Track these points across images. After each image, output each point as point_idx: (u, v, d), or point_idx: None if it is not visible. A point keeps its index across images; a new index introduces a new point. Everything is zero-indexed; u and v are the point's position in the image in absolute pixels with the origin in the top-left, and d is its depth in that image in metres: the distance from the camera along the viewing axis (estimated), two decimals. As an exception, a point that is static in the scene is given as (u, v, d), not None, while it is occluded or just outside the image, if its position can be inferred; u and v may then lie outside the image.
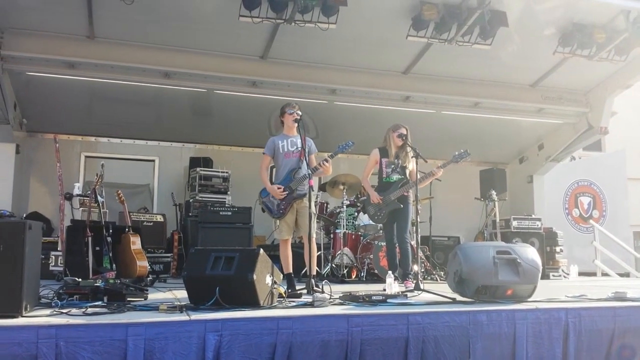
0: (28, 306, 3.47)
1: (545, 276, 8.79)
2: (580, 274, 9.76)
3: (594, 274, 10.40)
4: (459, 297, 4.48)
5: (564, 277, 9.55)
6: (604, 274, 10.34)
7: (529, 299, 4.43)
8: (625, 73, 9.11)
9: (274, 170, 5.88)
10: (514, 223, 9.63)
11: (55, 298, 3.98)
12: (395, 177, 6.34)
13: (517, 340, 3.97)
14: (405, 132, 6.23)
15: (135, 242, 6.67)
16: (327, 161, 5.49)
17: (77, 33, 7.48)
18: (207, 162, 9.89)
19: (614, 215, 12.53)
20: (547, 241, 9.67)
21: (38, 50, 7.43)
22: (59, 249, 7.11)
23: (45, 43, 7.40)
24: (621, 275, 10.48)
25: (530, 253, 4.54)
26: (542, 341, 4.03)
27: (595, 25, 7.77)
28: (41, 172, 9.47)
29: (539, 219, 9.89)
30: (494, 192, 9.66)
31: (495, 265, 4.33)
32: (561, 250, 9.72)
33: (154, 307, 3.76)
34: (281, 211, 5.55)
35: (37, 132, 9.59)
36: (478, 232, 10.45)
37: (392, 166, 6.34)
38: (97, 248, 6.46)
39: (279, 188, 5.49)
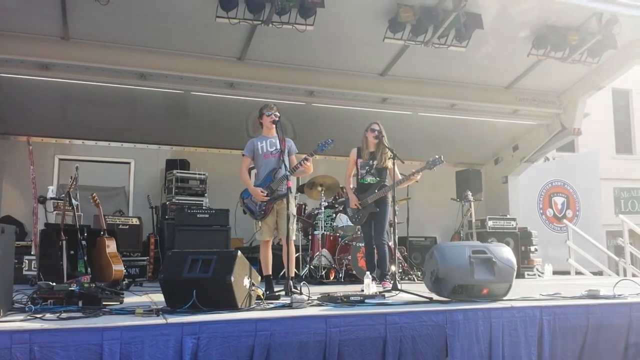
0: (1, 311, 3.42)
1: (520, 275, 8.91)
2: (555, 272, 9.91)
3: (568, 273, 10.56)
4: (435, 297, 4.52)
5: (539, 276, 9.68)
6: (578, 273, 10.50)
7: (504, 298, 4.49)
8: (598, 75, 9.26)
9: (253, 171, 5.87)
10: (490, 223, 9.73)
11: (29, 303, 3.91)
12: (369, 178, 6.37)
13: (493, 338, 4.02)
14: (377, 127, 6.26)
15: (111, 246, 6.60)
16: (307, 160, 5.52)
17: (51, 34, 7.37)
18: (183, 164, 9.80)
19: (587, 214, 12.73)
20: (521, 241, 9.81)
21: (11, 51, 7.30)
22: (32, 253, 6.98)
23: (18, 44, 7.27)
24: (594, 273, 10.66)
25: (505, 252, 4.59)
26: (517, 339, 4.08)
27: (568, 28, 7.89)
28: (14, 175, 9.32)
29: (514, 219, 10.03)
30: (469, 193, 9.76)
31: (471, 265, 4.37)
32: (536, 250, 9.85)
33: (130, 311, 3.72)
34: (262, 212, 5.55)
35: (10, 134, 9.44)
36: (454, 232, 10.55)
37: (367, 167, 6.37)
38: (72, 252, 6.37)
39: (262, 192, 5.49)
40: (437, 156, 6.10)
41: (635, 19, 7.68)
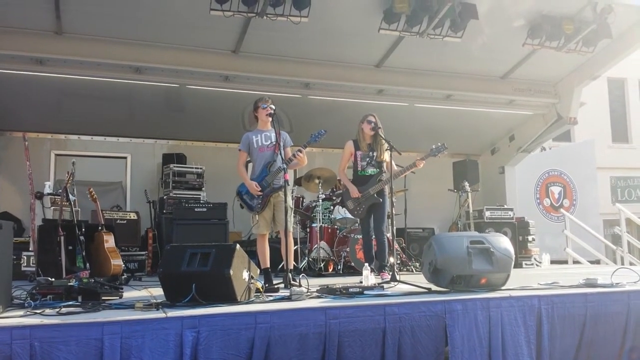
0: (0, 307, 3.41)
1: (518, 265, 8.93)
2: (552, 262, 9.96)
3: (566, 262, 10.60)
4: (434, 287, 4.54)
5: (536, 265, 9.72)
6: (575, 262, 10.55)
7: (503, 287, 4.51)
8: (593, 64, 9.26)
9: (250, 165, 5.88)
10: (487, 213, 9.74)
11: (28, 298, 3.90)
12: (370, 170, 6.34)
13: (492, 327, 4.04)
14: (373, 120, 6.23)
15: (109, 241, 6.60)
16: (300, 151, 5.54)
17: (45, 28, 7.31)
18: (180, 158, 9.77)
19: (584, 204, 12.76)
20: (519, 230, 9.82)
21: (4, 47, 7.23)
22: (30, 249, 6.99)
23: (11, 39, 7.21)
24: (592, 262, 10.68)
25: (503, 242, 4.61)
26: (516, 328, 4.10)
27: (563, 17, 7.89)
28: (10, 171, 9.28)
29: (511, 209, 10.04)
30: (466, 184, 9.77)
31: (469, 255, 4.39)
32: (533, 239, 9.88)
33: (129, 305, 3.73)
34: (259, 205, 5.57)
35: (5, 130, 9.39)
36: (452, 223, 10.57)
37: (368, 159, 6.34)
38: (70, 247, 6.37)
39: (256, 186, 5.50)
40: (439, 144, 6.11)
41: (630, 8, 7.69)
